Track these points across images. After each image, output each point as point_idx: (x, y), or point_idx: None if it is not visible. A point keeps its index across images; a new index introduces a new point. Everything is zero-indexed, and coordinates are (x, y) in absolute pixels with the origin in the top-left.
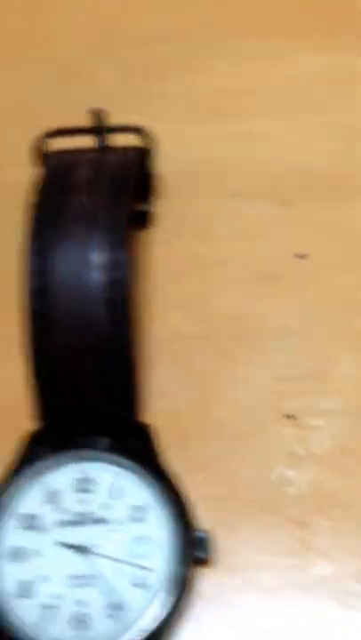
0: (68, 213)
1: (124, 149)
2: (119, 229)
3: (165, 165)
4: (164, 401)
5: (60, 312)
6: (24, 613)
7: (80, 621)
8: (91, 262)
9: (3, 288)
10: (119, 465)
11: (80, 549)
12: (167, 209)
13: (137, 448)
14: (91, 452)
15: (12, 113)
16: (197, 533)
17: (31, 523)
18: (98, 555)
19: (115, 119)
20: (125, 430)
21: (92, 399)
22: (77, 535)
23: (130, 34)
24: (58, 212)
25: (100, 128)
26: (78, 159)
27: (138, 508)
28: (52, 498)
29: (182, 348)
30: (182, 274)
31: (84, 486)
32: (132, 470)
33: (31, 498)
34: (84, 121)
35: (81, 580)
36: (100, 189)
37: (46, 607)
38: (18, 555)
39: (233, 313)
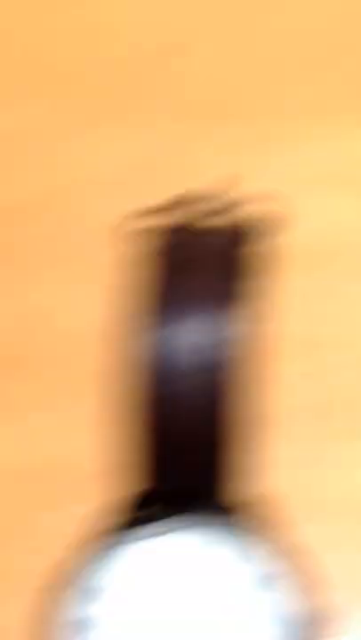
0: (183, 291)
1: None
2: (227, 308)
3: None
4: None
5: (172, 384)
6: None
7: None
8: (207, 340)
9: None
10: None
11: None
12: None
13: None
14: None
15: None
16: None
17: (99, 595)
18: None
19: None
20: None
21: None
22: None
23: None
24: (173, 290)
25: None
26: (182, 237)
27: (247, 583)
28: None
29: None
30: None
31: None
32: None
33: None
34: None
35: None
36: (214, 268)
37: None
38: (82, 626)
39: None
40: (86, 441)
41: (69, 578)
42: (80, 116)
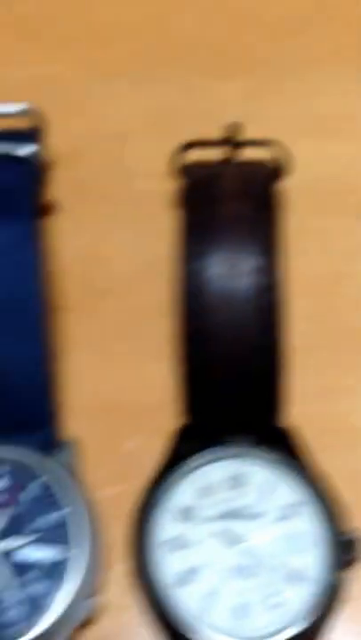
0: (218, 221)
1: (259, 162)
2: (269, 237)
3: (292, 180)
4: (305, 406)
5: (212, 315)
6: (184, 601)
7: (240, 612)
8: (242, 268)
9: (151, 291)
10: (270, 463)
11: (236, 542)
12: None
13: (284, 449)
14: (241, 450)
15: (147, 125)
16: (349, 534)
17: (186, 515)
18: (253, 548)
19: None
20: (270, 432)
21: (240, 401)
22: (233, 529)
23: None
24: (208, 220)
25: (236, 141)
26: (219, 171)
27: (290, 506)
28: (205, 492)
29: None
30: (307, 288)
31: (235, 482)
32: (283, 469)
33: (185, 492)
34: (211, 134)
35: (238, 572)
36: (247, 199)
37: (206, 596)
38: (175, 546)
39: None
40: (152, 372)
41: (157, 500)
42: (109, 69)
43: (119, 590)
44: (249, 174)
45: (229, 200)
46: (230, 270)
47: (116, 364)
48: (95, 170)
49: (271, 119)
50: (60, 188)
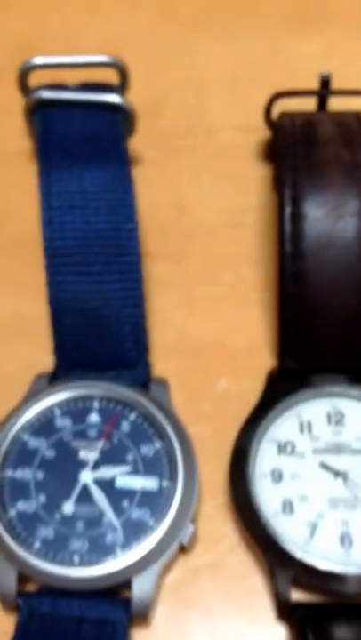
0: (316, 164)
1: (352, 112)
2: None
3: None
4: None
5: (312, 258)
6: (288, 529)
7: (345, 540)
8: (344, 210)
9: (236, 239)
10: None
11: (339, 474)
12: None
13: None
14: (339, 389)
15: (230, 78)
16: None
17: (288, 449)
18: (357, 481)
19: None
20: None
21: (338, 342)
22: (335, 462)
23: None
24: (306, 164)
25: (327, 91)
26: (313, 119)
27: None
28: (306, 428)
29: None
30: None
31: (336, 419)
32: None
33: (286, 427)
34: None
35: (342, 503)
36: (345, 144)
37: (310, 524)
38: (278, 477)
39: None
40: (239, 317)
41: (259, 433)
42: (193, 23)
43: (213, 524)
44: (344, 122)
45: (327, 145)
46: (331, 213)
47: (203, 309)
48: (179, 122)
49: (353, 74)
50: (144, 139)
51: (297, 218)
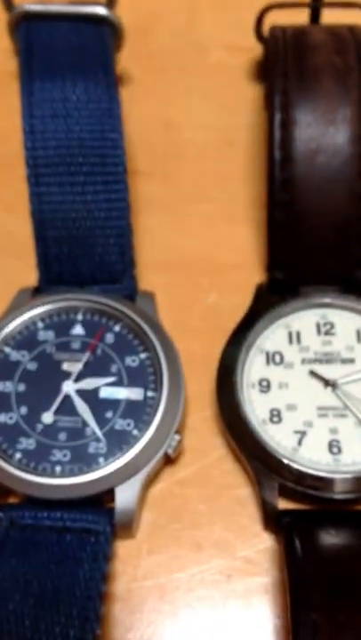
0: (308, 70)
1: (344, 25)
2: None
3: None
4: None
5: (303, 162)
6: (276, 437)
7: (333, 447)
8: (338, 114)
9: (224, 158)
10: (357, 313)
11: (329, 383)
12: None
13: None
14: (330, 299)
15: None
16: None
17: (277, 359)
18: (346, 390)
19: None
20: (356, 283)
21: (328, 252)
22: (325, 371)
23: None
24: (302, 69)
25: (319, 2)
26: (305, 29)
27: None
28: (295, 338)
29: None
30: None
31: (326, 329)
32: None
33: (274, 337)
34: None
35: (331, 411)
36: (337, 51)
37: (298, 433)
38: (266, 386)
39: None
40: (225, 234)
41: (247, 343)
42: None
43: (200, 436)
44: (335, 31)
45: (318, 51)
46: (322, 119)
47: (193, 226)
48: (167, 42)
49: None
50: (134, 59)
51: (287, 124)
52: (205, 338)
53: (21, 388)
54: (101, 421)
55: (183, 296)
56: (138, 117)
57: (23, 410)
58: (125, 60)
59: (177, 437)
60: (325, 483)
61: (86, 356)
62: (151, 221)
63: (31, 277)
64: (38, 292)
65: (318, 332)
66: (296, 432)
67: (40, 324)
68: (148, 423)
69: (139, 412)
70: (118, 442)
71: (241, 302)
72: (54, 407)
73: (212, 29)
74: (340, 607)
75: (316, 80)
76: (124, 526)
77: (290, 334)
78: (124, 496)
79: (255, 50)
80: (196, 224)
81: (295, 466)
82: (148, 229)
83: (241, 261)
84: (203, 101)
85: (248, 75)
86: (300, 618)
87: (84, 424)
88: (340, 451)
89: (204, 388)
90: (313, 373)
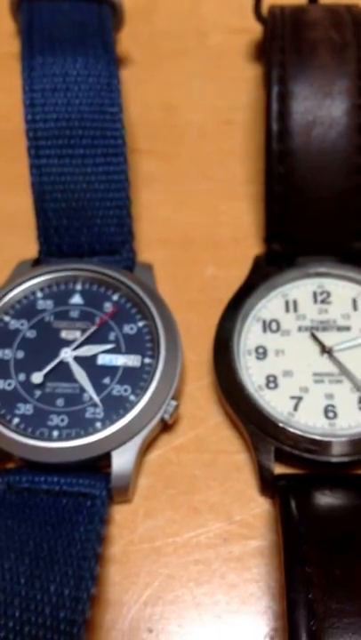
0: (305, 43)
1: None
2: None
3: None
4: None
5: (300, 134)
6: (272, 402)
7: (328, 412)
8: (335, 86)
9: (223, 137)
10: (353, 282)
11: (325, 350)
12: None
13: None
14: (327, 268)
15: None
16: None
17: (273, 326)
18: (342, 356)
19: None
20: (353, 253)
21: (325, 222)
22: (321, 338)
23: None
24: (299, 43)
25: None
26: (303, 7)
27: None
28: (292, 306)
29: None
30: None
31: (322, 298)
32: None
33: (271, 306)
34: None
35: (327, 377)
36: (335, 26)
37: (294, 398)
38: (262, 353)
39: None
40: (224, 210)
41: (244, 311)
42: None
43: (197, 404)
44: (333, 9)
45: (315, 26)
46: (319, 91)
47: (192, 203)
48: (168, 24)
49: None
50: (135, 41)
51: (284, 96)
52: (204, 309)
53: (20, 355)
54: (99, 387)
55: (182, 270)
56: (139, 98)
57: (21, 376)
58: (127, 42)
59: (173, 403)
60: (322, 446)
61: (85, 325)
62: (152, 198)
63: (30, 252)
64: (38, 263)
65: (315, 300)
66: (292, 397)
67: (39, 294)
68: (145, 389)
69: (136, 379)
70: (115, 407)
71: (239, 275)
72: (47, 369)
73: (213, 12)
74: (334, 563)
75: (314, 54)
76: (121, 490)
77: (287, 303)
78: (121, 460)
79: (255, 32)
80: (196, 201)
81: (291, 429)
82: (149, 206)
83: (239, 236)
84: (202, 82)
85: (247, 56)
86: (294, 573)
87: (82, 390)
88: (335, 415)
89: (202, 358)
90: (313, 336)
